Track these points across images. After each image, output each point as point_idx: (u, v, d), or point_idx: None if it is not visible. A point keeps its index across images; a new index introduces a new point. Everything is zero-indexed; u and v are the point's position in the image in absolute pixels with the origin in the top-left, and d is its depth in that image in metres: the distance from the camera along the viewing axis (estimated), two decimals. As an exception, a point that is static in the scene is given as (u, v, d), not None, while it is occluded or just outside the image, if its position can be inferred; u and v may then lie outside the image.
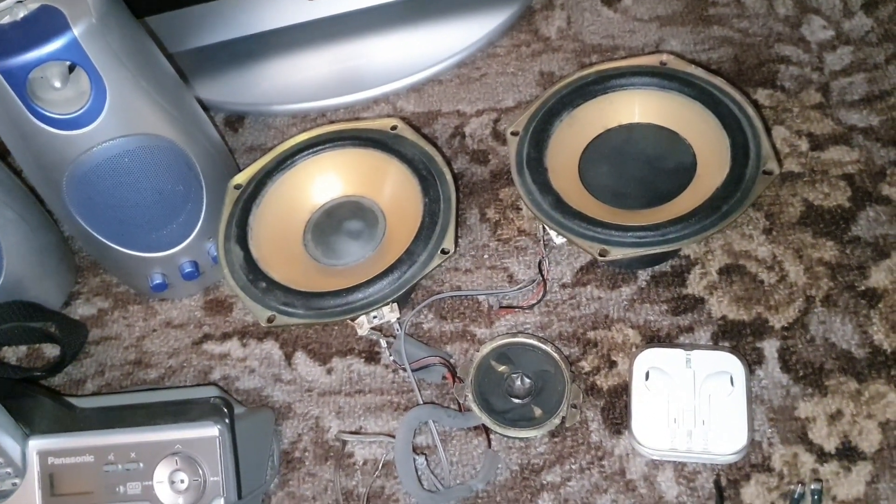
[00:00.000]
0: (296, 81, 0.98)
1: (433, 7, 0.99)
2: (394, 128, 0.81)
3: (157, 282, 0.81)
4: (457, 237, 0.75)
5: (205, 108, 0.95)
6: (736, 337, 0.74)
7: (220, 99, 0.98)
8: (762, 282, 0.77)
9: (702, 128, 0.76)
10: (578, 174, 0.78)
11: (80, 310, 0.88)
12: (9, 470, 0.67)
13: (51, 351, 0.86)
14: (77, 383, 0.83)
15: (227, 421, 0.67)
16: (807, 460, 0.68)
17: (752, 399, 0.71)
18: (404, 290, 0.71)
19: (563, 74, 0.94)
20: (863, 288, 0.75)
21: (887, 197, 0.79)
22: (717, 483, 0.67)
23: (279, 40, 1.00)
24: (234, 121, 0.99)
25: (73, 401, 0.72)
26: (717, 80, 0.77)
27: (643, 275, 0.79)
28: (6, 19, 0.67)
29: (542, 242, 0.80)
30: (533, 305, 0.79)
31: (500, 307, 0.79)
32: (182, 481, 0.66)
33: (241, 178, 0.80)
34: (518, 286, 0.80)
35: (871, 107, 0.85)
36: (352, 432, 0.74)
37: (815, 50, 0.90)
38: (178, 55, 0.96)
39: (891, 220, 0.77)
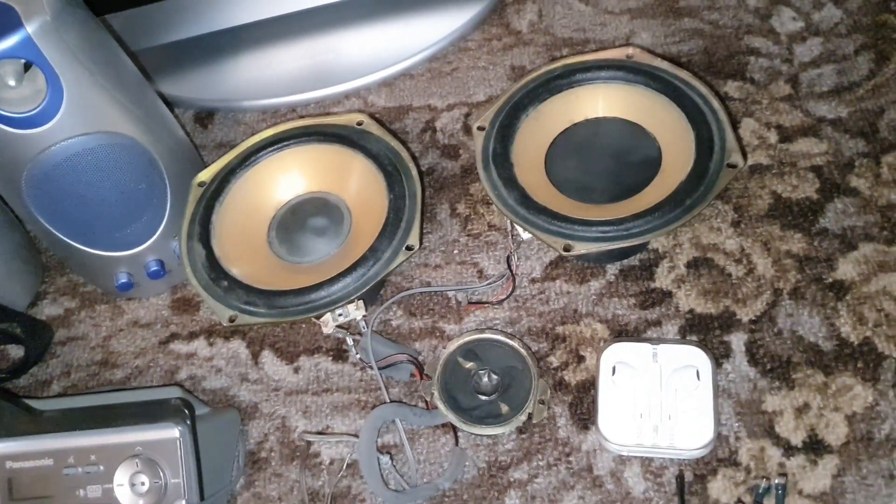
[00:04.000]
0: (266, 77, 0.97)
1: (404, 1, 0.99)
2: (360, 123, 0.80)
3: (123, 281, 0.81)
4: (422, 234, 0.75)
5: (173, 104, 0.95)
6: (703, 330, 0.74)
7: (189, 95, 0.97)
8: (730, 275, 0.76)
9: (667, 121, 0.76)
10: (545, 169, 0.77)
11: (47, 310, 0.87)
12: (-33, 474, 0.67)
13: (16, 352, 0.85)
14: (42, 384, 0.82)
15: (188, 422, 0.66)
16: (773, 454, 0.68)
17: (719, 393, 0.70)
18: (368, 288, 0.71)
19: (533, 68, 0.93)
20: (830, 280, 0.74)
21: (855, 189, 0.79)
22: (679, 479, 0.67)
23: (249, 36, 0.99)
24: (204, 117, 0.98)
25: (33, 403, 0.71)
26: (683, 74, 0.77)
27: (612, 269, 0.78)
28: (-42, 18, 0.66)
29: (510, 237, 0.79)
30: (502, 301, 0.78)
31: (469, 303, 0.79)
32: (143, 483, 0.65)
33: (204, 175, 0.80)
34: (487, 282, 0.79)
35: (840, 98, 0.84)
36: (317, 432, 0.74)
37: (784, 41, 0.90)
38: (145, 52, 0.95)
39: (858, 212, 0.77)
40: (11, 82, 0.67)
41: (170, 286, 0.85)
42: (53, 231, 0.76)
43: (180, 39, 0.98)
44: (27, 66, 0.68)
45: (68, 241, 0.77)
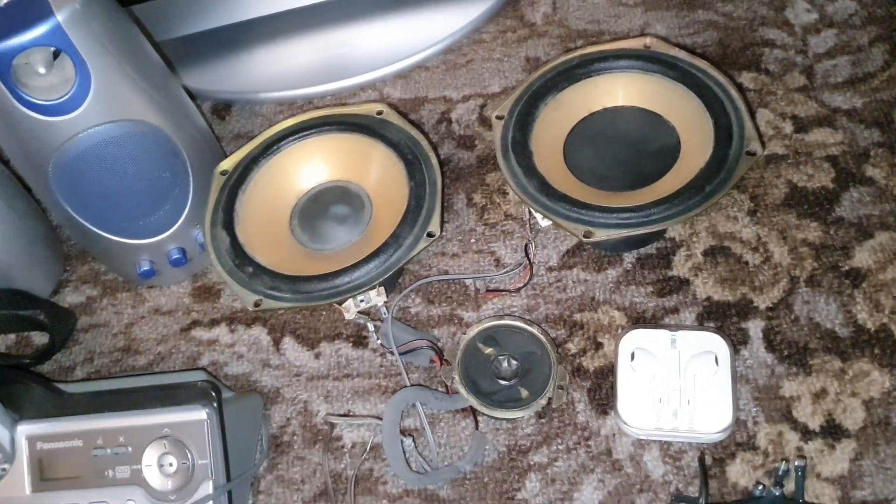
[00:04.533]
0: (282, 69, 0.98)
1: (419, -7, 1.00)
2: (379, 113, 0.81)
3: (145, 269, 0.82)
4: (442, 221, 0.76)
5: (191, 96, 0.95)
6: (721, 318, 0.75)
7: (206, 87, 0.98)
8: (747, 263, 0.77)
9: (685, 110, 0.76)
10: (563, 157, 0.78)
11: (69, 298, 0.88)
12: (-2, 455, 0.68)
13: (39, 339, 0.86)
14: (66, 370, 0.83)
15: (214, 405, 0.67)
16: (791, 438, 0.68)
17: (737, 378, 0.71)
18: (390, 274, 0.72)
19: (548, 59, 0.94)
20: (846, 268, 0.75)
21: (871, 178, 0.79)
22: (701, 461, 0.68)
23: (266, 28, 1.00)
24: (221, 109, 0.99)
25: (62, 386, 0.72)
26: (701, 63, 0.78)
27: (629, 257, 0.79)
28: (-10, 6, 0.67)
29: (528, 226, 0.80)
30: (520, 288, 0.79)
31: (487, 290, 0.79)
32: (171, 465, 0.66)
33: (227, 164, 0.81)
34: (505, 270, 0.80)
35: (855, 89, 0.85)
36: (340, 415, 0.75)
37: (799, 33, 0.90)
38: (164, 43, 0.96)
39: (874, 201, 0.78)
40: (41, 70, 0.68)
41: (190, 274, 0.86)
42: (78, 218, 0.77)
43: (198, 32, 0.99)
44: (56, 54, 0.69)
45: (92, 228, 0.78)
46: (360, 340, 0.79)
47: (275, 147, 0.80)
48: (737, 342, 0.73)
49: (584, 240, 0.70)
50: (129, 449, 0.67)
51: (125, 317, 0.86)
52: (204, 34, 0.99)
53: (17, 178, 0.85)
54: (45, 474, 0.68)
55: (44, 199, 0.79)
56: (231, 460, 0.68)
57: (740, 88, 0.79)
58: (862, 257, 0.75)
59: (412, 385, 0.74)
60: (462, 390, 0.72)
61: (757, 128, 0.74)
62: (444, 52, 0.97)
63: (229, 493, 0.67)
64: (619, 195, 0.74)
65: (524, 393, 0.72)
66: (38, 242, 0.86)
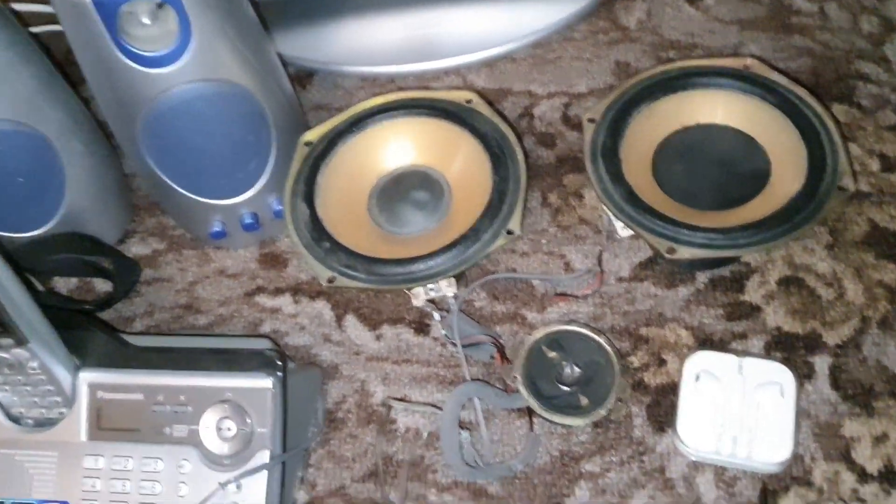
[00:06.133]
0: (368, 44, 0.98)
1: (515, -17, 0.99)
2: (469, 101, 0.81)
3: (217, 229, 0.82)
4: (523, 219, 0.75)
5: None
6: (788, 349, 0.74)
7: (291, 53, 0.97)
8: (820, 297, 0.76)
9: (780, 136, 0.75)
10: (652, 168, 0.77)
11: (135, 248, 0.88)
12: (58, 399, 0.68)
13: (101, 286, 0.86)
14: (126, 321, 0.83)
15: (279, 374, 0.67)
16: (847, 479, 0.68)
17: (800, 412, 0.71)
18: (465, 267, 0.71)
19: (638, 66, 0.93)
20: (921, 315, 0.74)
21: (953, 227, 0.78)
22: (763, 491, 0.67)
23: (356, 1, 0.99)
24: (303, 77, 0.99)
25: (127, 338, 0.72)
26: (800, 90, 0.77)
27: (701, 277, 0.79)
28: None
29: (604, 234, 0.80)
30: (588, 295, 0.78)
31: (555, 294, 0.79)
32: (229, 429, 0.66)
33: (312, 135, 0.80)
34: (574, 274, 0.80)
35: (947, 135, 0.84)
36: (399, 399, 0.75)
37: (895, 70, 0.89)
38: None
39: (955, 251, 0.77)
40: (146, 20, 0.68)
41: (260, 240, 0.86)
42: (158, 172, 0.77)
43: (289, -4, 0.98)
44: (160, 5, 0.69)
45: (170, 183, 0.78)
46: (421, 327, 0.79)
47: (361, 124, 0.80)
48: (802, 375, 0.72)
49: (667, 255, 0.69)
50: (190, 409, 0.67)
51: (189, 274, 0.86)
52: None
53: (97, 123, 0.85)
54: (103, 423, 0.68)
55: (126, 148, 0.79)
56: (288, 431, 0.68)
57: (837, 120, 0.78)
58: (938, 306, 0.74)
59: (473, 380, 0.74)
60: (523, 390, 0.71)
61: (851, 163, 0.73)
62: (533, 45, 0.96)
63: (283, 464, 0.67)
64: (704, 214, 0.74)
65: (584, 401, 0.71)
66: (111, 190, 0.86)
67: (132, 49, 0.68)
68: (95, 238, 0.84)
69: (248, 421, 0.66)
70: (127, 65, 0.69)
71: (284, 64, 0.96)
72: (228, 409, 0.66)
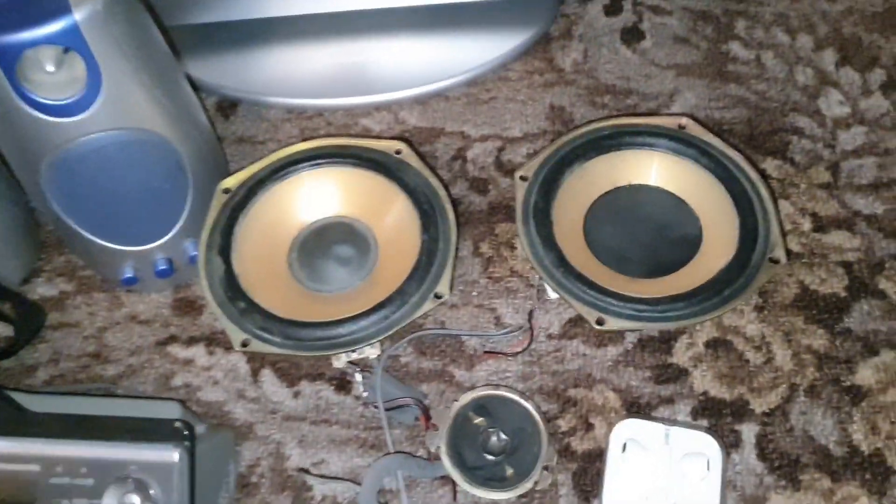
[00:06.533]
0: (296, 75, 0.94)
1: (449, 19, 0.96)
2: (398, 151, 0.77)
3: (128, 275, 0.77)
4: (453, 281, 0.72)
5: (198, 88, 0.91)
6: (716, 415, 0.73)
7: (214, 82, 0.93)
8: (748, 361, 0.76)
9: (712, 201, 0.74)
10: (583, 231, 0.75)
11: (41, 289, 0.83)
12: (-54, 470, 0.63)
13: (2, 330, 0.81)
14: (28, 369, 0.78)
15: (187, 445, 0.63)
16: (772, 555, 0.67)
17: (726, 483, 0.70)
18: (390, 332, 0.69)
19: (573, 111, 0.91)
20: (848, 383, 0.74)
21: (883, 291, 0.78)
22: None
23: (285, 29, 0.95)
24: (227, 107, 0.94)
25: (25, 399, 0.68)
26: (734, 155, 0.75)
27: (630, 337, 0.77)
28: (5, -6, 0.62)
29: (535, 290, 0.78)
30: (517, 353, 0.76)
31: (485, 351, 0.77)
32: (133, 504, 0.63)
33: (230, 182, 0.76)
34: (504, 331, 0.78)
35: (878, 194, 0.84)
36: (314, 474, 0.71)
37: (829, 125, 0.89)
38: (176, 28, 0.91)
39: (883, 317, 0.77)
40: (50, 68, 0.63)
41: (174, 285, 0.82)
42: (65, 218, 0.73)
43: (215, 22, 0.94)
44: (66, 51, 0.64)
45: (79, 229, 0.74)
46: (343, 385, 0.76)
47: (284, 171, 0.76)
48: (729, 444, 0.72)
49: (597, 327, 0.68)
50: (91, 482, 0.63)
51: (99, 319, 0.81)
52: (220, 25, 0.94)
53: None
54: (-3, 494, 0.64)
55: (29, 190, 0.74)
56: (196, 499, 0.64)
57: (771, 188, 0.77)
58: (865, 374, 0.74)
59: (396, 452, 0.71)
60: (446, 462, 0.69)
61: (784, 233, 0.72)
62: (467, 83, 0.93)
63: (191, 539, 0.64)
64: (635, 281, 0.72)
65: (510, 471, 0.69)
66: (13, 228, 0.81)
67: (33, 97, 0.64)
68: (-4, 280, 0.79)
69: (154, 495, 0.63)
70: (27, 112, 0.64)
71: (207, 93, 0.92)
72: (132, 483, 0.62)
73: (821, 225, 0.82)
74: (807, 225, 0.82)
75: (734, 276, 0.69)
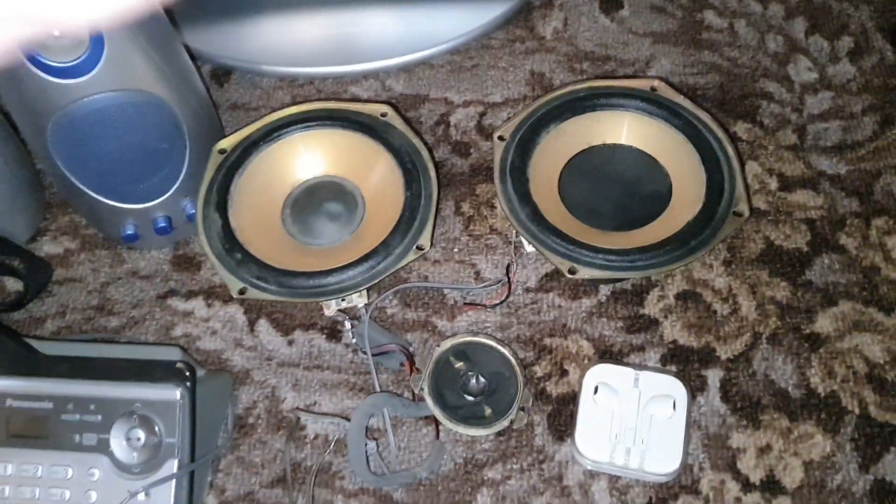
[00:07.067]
0: (288, 44, 0.98)
1: (434, -10, 1.00)
2: (384, 115, 0.82)
3: (129, 232, 0.82)
4: (433, 235, 0.77)
5: (192, 57, 0.94)
6: (683, 362, 0.78)
7: (209, 50, 0.97)
8: (715, 312, 0.80)
9: (682, 159, 0.79)
10: (558, 187, 0.80)
11: (46, 247, 0.88)
12: (-36, 407, 0.68)
13: (12, 286, 0.86)
14: (37, 321, 0.83)
15: (188, 385, 0.68)
16: (732, 488, 0.72)
17: (691, 424, 0.74)
18: (376, 281, 0.73)
19: (552, 77, 0.95)
20: (808, 331, 0.79)
21: (843, 247, 0.83)
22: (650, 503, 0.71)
23: (278, 0, 0.99)
24: (221, 75, 0.98)
25: (36, 344, 0.72)
26: (704, 115, 0.80)
27: (604, 290, 0.82)
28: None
29: (512, 246, 0.82)
30: (496, 305, 0.81)
31: (465, 303, 0.81)
32: (138, 439, 0.67)
33: (226, 143, 0.81)
34: (484, 284, 0.82)
35: (842, 155, 0.88)
36: (307, 410, 0.76)
37: (797, 90, 0.93)
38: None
39: (843, 270, 0.81)
40: (56, 32, 0.67)
41: (173, 242, 0.86)
42: (69, 176, 0.77)
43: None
44: (71, 16, 0.68)
45: (82, 187, 0.78)
46: (333, 334, 0.81)
47: (276, 133, 0.80)
48: (695, 388, 0.76)
49: (569, 275, 0.72)
50: (99, 418, 0.68)
51: (102, 275, 0.86)
52: (216, -5, 0.98)
53: (5, 120, 0.84)
54: (11, 431, 0.69)
55: (36, 151, 0.78)
56: (197, 438, 0.69)
57: (737, 147, 0.81)
58: (823, 323, 0.79)
59: (382, 391, 0.76)
60: (429, 401, 0.74)
61: (748, 188, 0.76)
62: (450, 52, 0.97)
63: (191, 472, 0.69)
64: (607, 234, 0.76)
65: (488, 411, 0.74)
66: (21, 188, 0.85)
67: (40, 59, 0.68)
68: (4, 238, 0.83)
69: (158, 430, 0.68)
70: (35, 74, 0.68)
71: (202, 61, 0.96)
72: (138, 419, 0.68)
73: (787, 184, 0.87)
74: (773, 184, 0.87)
75: (700, 229, 0.73)
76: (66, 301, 0.84)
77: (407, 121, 0.83)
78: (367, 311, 0.78)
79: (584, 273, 0.72)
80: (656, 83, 0.82)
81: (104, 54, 0.69)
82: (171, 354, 0.72)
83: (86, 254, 0.87)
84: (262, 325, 0.82)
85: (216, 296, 0.84)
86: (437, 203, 0.78)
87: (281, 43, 0.98)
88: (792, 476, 0.72)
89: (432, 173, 0.78)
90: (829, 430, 0.74)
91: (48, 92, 0.70)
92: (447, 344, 0.77)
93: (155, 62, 0.73)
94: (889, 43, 0.96)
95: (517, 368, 0.76)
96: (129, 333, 0.82)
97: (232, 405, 0.77)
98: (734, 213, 0.74)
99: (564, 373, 0.78)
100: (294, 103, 0.86)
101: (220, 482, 0.74)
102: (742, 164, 0.78)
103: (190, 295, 0.84)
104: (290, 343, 0.81)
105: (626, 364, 0.76)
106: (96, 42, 0.68)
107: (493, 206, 0.87)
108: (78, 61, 0.68)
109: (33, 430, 0.69)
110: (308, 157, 0.82)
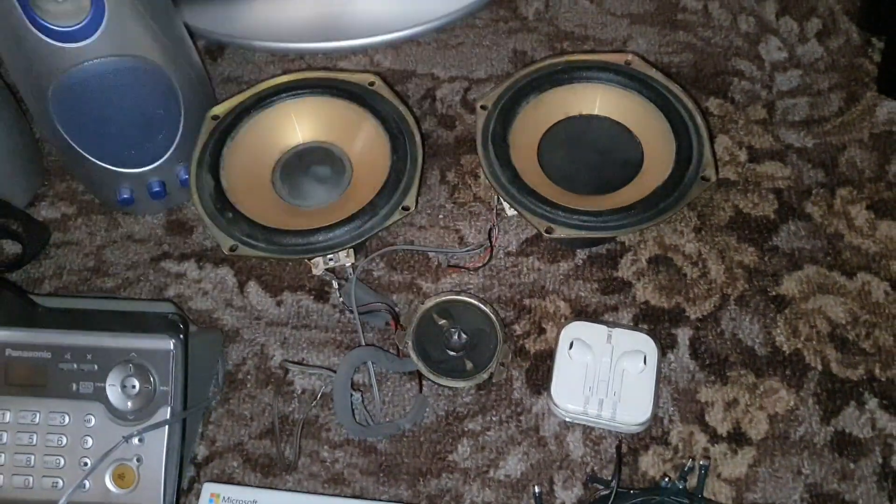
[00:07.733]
0: (279, 20, 1.01)
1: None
2: (371, 84, 0.85)
3: (125, 196, 0.85)
4: (418, 196, 0.80)
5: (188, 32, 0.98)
6: (654, 321, 0.82)
7: (203, 26, 1.01)
8: (685, 275, 0.84)
9: (653, 128, 0.82)
10: (537, 154, 0.84)
11: (44, 212, 0.91)
12: (-35, 356, 0.71)
13: (11, 248, 0.89)
14: (35, 282, 0.86)
15: (181, 336, 0.71)
16: (700, 439, 0.75)
17: (661, 379, 0.78)
18: (362, 239, 0.77)
19: (534, 55, 0.99)
20: (774, 293, 0.82)
21: (809, 214, 0.86)
22: (618, 449, 0.75)
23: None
24: (214, 50, 1.02)
25: (36, 299, 0.75)
26: (674, 87, 0.84)
27: (581, 254, 0.85)
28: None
29: (494, 211, 0.86)
30: (478, 268, 0.85)
31: (448, 265, 0.85)
32: (133, 387, 0.70)
33: (219, 109, 0.84)
34: (467, 248, 0.86)
35: (809, 129, 0.92)
36: (295, 362, 0.80)
37: (767, 69, 0.97)
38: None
39: (808, 236, 0.85)
40: (60, -7, 0.71)
41: (167, 207, 0.89)
42: (69, 141, 0.80)
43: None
44: (72, -19, 0.72)
45: (81, 151, 0.81)
46: (321, 295, 0.84)
47: (268, 100, 0.84)
48: (665, 346, 0.80)
49: (546, 234, 0.76)
50: (96, 367, 0.71)
51: (98, 238, 0.89)
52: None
53: (6, 87, 0.87)
54: (11, 379, 0.71)
55: (36, 115, 0.81)
56: (189, 390, 0.72)
57: (705, 116, 0.85)
58: (789, 286, 0.83)
59: (367, 345, 0.79)
60: (413, 355, 0.77)
61: (714, 155, 0.80)
62: (437, 30, 1.01)
63: (184, 420, 0.72)
64: (582, 198, 0.80)
65: (469, 365, 0.78)
66: (20, 153, 0.88)
67: (43, 23, 0.71)
68: (4, 201, 0.86)
69: (151, 379, 0.71)
70: (38, 37, 0.72)
71: (196, 37, 0.99)
72: (133, 368, 0.71)
73: (756, 156, 0.91)
74: (743, 156, 0.91)
75: (669, 192, 0.77)
76: (62, 263, 0.87)
77: (393, 88, 0.87)
78: (354, 271, 0.81)
79: (560, 232, 0.76)
80: (630, 57, 0.86)
81: (105, 20, 0.72)
82: (165, 308, 0.75)
83: (82, 218, 0.90)
84: (252, 286, 0.85)
85: (207, 258, 0.87)
86: (422, 167, 0.81)
87: (272, 19, 1.01)
88: (757, 428, 0.76)
89: (417, 138, 0.82)
90: (792, 385, 0.77)
91: (50, 56, 0.73)
92: (431, 301, 0.80)
93: (153, 30, 0.76)
94: (855, 25, 1.00)
95: (497, 325, 0.79)
96: (123, 293, 0.85)
97: (222, 361, 0.80)
98: (702, 177, 0.78)
99: (542, 331, 0.82)
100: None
101: (210, 433, 0.77)
102: (710, 133, 0.82)
103: (182, 258, 0.87)
104: (279, 303, 0.84)
105: (601, 321, 0.80)
106: (98, 7, 0.71)
107: (476, 176, 0.91)
108: (79, 26, 0.72)
109: (32, 379, 0.71)
110: (298, 123, 0.85)
